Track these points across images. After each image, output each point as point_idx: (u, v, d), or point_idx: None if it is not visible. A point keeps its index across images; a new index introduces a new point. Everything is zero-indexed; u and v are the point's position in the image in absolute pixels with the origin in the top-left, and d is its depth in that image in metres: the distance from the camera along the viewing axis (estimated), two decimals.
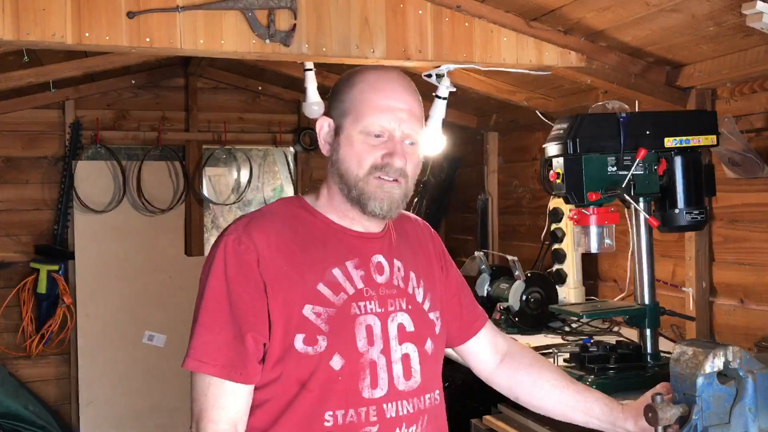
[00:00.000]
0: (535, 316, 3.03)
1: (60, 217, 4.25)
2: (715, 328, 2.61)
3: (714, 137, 2.19)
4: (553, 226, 3.31)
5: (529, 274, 3.06)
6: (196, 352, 1.37)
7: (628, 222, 2.44)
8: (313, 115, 2.98)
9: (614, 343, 2.29)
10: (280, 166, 5.53)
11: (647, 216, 2.13)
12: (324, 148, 1.51)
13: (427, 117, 2.63)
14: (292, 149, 4.85)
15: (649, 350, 2.22)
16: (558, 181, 2.13)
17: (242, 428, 1.39)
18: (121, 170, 4.36)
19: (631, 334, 2.65)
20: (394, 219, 1.53)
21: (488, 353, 1.74)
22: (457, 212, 4.62)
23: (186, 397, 1.46)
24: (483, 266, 3.28)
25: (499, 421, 2.30)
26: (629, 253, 2.88)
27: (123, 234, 4.36)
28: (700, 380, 1.40)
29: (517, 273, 3.04)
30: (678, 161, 2.16)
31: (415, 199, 4.43)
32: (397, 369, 1.44)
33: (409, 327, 1.48)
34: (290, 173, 4.90)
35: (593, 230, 2.14)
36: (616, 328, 2.91)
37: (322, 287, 1.41)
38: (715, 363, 1.42)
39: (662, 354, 2.24)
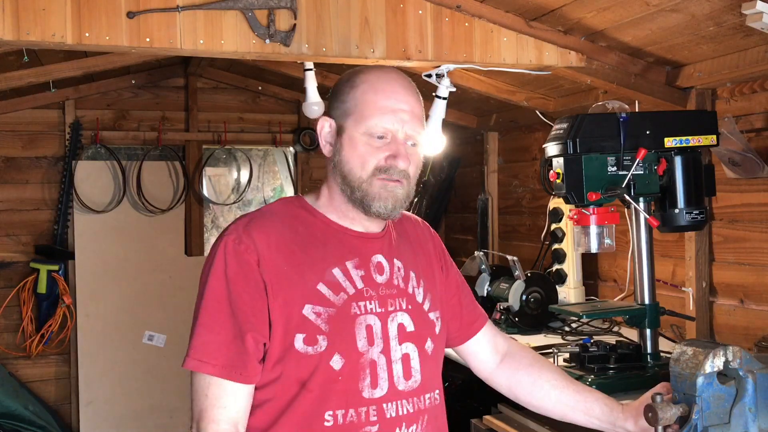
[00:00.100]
0: (535, 316, 3.03)
1: (60, 217, 4.25)
2: (715, 328, 2.61)
3: (714, 137, 2.19)
4: (553, 226, 3.31)
5: (529, 274, 3.06)
6: (196, 352, 1.37)
7: (628, 222, 2.44)
8: (313, 115, 2.98)
9: (614, 343, 2.29)
10: (280, 166, 5.53)
11: (647, 216, 2.13)
12: (325, 148, 1.51)
13: (427, 117, 2.63)
14: (292, 149, 4.86)
15: (649, 350, 2.22)
16: (558, 181, 2.13)
17: (243, 428, 1.39)
18: (121, 170, 4.37)
19: (631, 334, 2.65)
20: (394, 219, 1.53)
21: (488, 353, 1.74)
22: (457, 212, 4.62)
23: (186, 397, 1.46)
24: (483, 266, 3.28)
25: (499, 421, 2.30)
26: (629, 253, 2.89)
27: (123, 234, 4.37)
28: (700, 380, 1.40)
29: (517, 273, 3.05)
30: (678, 161, 2.16)
31: (415, 199, 4.43)
32: (397, 369, 1.44)
33: (409, 327, 1.48)
34: (290, 173, 4.90)
35: (593, 230, 2.14)
36: (616, 328, 2.91)
37: (322, 287, 1.41)
38: (715, 363, 1.42)
39: (662, 354, 2.24)
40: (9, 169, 4.22)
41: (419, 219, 1.72)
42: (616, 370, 2.16)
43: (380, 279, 1.48)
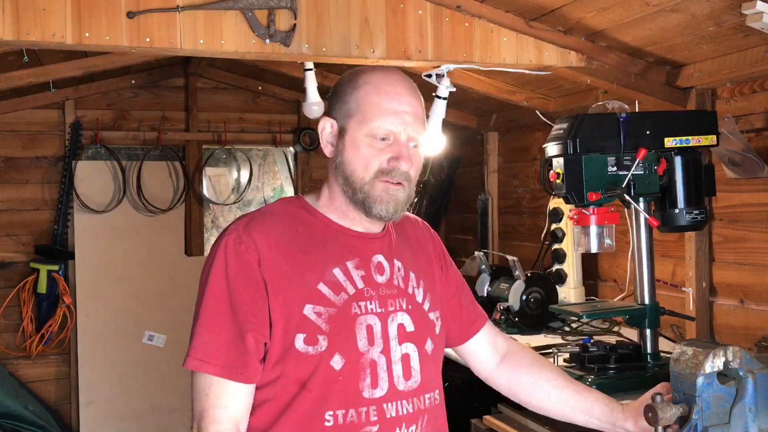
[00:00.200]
0: (535, 316, 3.03)
1: (60, 217, 4.25)
2: (715, 328, 2.61)
3: (714, 137, 2.19)
4: (553, 226, 3.31)
5: (529, 274, 3.06)
6: (197, 352, 1.37)
7: (628, 222, 2.44)
8: (313, 115, 2.98)
9: (614, 343, 2.29)
10: (280, 166, 5.53)
11: (647, 216, 2.13)
12: (326, 148, 1.51)
13: (427, 117, 2.63)
14: (292, 149, 4.85)
15: (649, 350, 2.22)
16: (558, 181, 2.13)
17: (244, 427, 1.39)
18: (121, 170, 4.36)
19: (631, 334, 2.65)
20: (396, 221, 1.54)
21: (488, 353, 1.74)
22: (457, 212, 4.62)
23: (186, 397, 1.46)
24: (483, 266, 3.28)
25: (499, 421, 2.30)
26: (629, 253, 2.88)
27: (123, 234, 4.36)
28: (700, 380, 1.40)
29: (517, 273, 3.04)
30: (678, 161, 2.16)
31: (415, 199, 4.43)
32: (397, 369, 1.44)
33: (409, 327, 1.48)
34: (290, 173, 4.90)
35: (593, 230, 2.14)
36: (616, 328, 2.91)
37: (322, 287, 1.41)
38: (715, 363, 1.42)
39: (662, 354, 2.24)
40: (9, 169, 4.22)
41: (419, 219, 1.72)
42: (616, 370, 2.16)
43: (380, 279, 1.48)
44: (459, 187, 4.55)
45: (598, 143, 2.08)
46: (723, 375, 1.45)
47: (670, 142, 2.13)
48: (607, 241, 2.16)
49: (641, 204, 2.14)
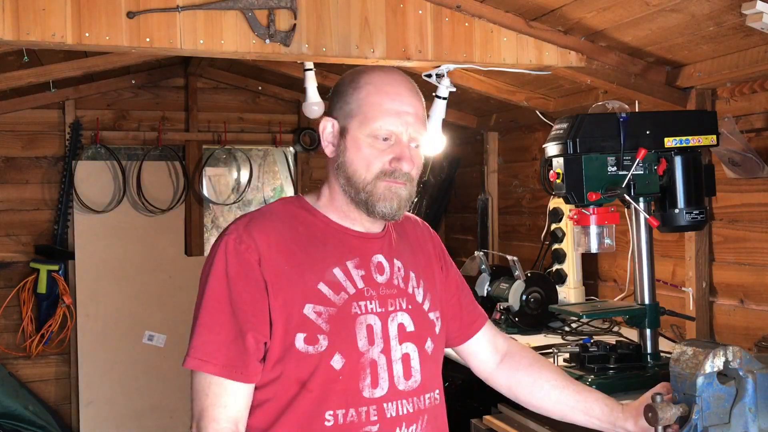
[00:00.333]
0: (535, 316, 3.03)
1: (60, 217, 4.25)
2: (715, 328, 2.61)
3: (714, 137, 2.19)
4: (553, 226, 3.31)
5: (529, 274, 3.06)
6: (197, 352, 1.37)
7: (628, 222, 2.44)
8: (313, 115, 2.98)
9: (614, 343, 2.29)
10: (280, 166, 5.53)
11: (647, 216, 2.13)
12: (327, 148, 1.51)
13: (427, 117, 2.63)
14: (292, 149, 4.85)
15: (649, 350, 2.22)
16: (558, 181, 2.13)
17: (243, 427, 1.39)
18: (121, 170, 4.36)
19: (631, 334, 2.65)
20: (398, 220, 1.54)
21: (488, 353, 1.74)
22: (457, 212, 4.62)
23: (186, 397, 1.46)
24: (483, 266, 3.28)
25: (499, 421, 2.30)
26: (629, 253, 2.89)
27: (123, 234, 4.36)
28: (700, 380, 1.40)
29: (517, 273, 3.05)
30: (678, 161, 2.16)
31: (415, 199, 4.43)
32: (398, 369, 1.44)
33: (410, 327, 1.48)
34: (290, 173, 4.90)
35: (593, 230, 2.14)
36: (616, 328, 2.91)
37: (322, 287, 1.41)
38: (715, 363, 1.42)
39: (662, 354, 2.24)
40: (9, 169, 4.22)
41: (419, 219, 1.73)
42: (616, 370, 2.16)
43: (380, 279, 1.48)
44: (459, 187, 4.55)
45: (598, 143, 2.08)
46: (723, 375, 1.45)
47: (670, 142, 2.13)
48: (607, 241, 2.16)
49: (641, 204, 2.14)
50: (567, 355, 2.31)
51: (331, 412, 1.38)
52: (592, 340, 2.33)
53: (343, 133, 1.47)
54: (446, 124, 2.88)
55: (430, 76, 2.66)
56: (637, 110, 2.31)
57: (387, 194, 1.44)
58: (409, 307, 1.50)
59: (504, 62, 2.41)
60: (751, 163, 2.35)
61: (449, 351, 1.71)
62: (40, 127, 4.28)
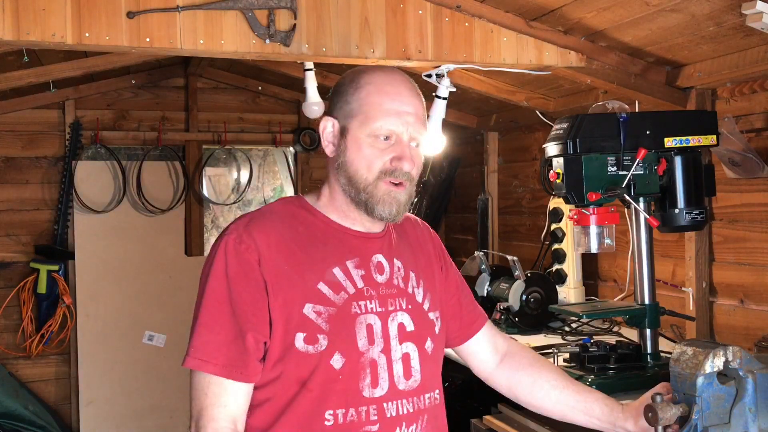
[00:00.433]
0: (535, 316, 3.03)
1: (60, 217, 4.25)
2: (715, 328, 2.61)
3: (714, 137, 2.19)
4: (553, 226, 3.31)
5: (529, 274, 3.06)
6: (197, 352, 1.37)
7: (628, 222, 2.44)
8: (313, 115, 2.98)
9: (614, 343, 2.29)
10: (280, 166, 5.53)
11: (647, 216, 2.13)
12: (327, 148, 1.51)
13: (427, 117, 2.63)
14: (292, 149, 4.85)
15: (649, 350, 2.22)
16: (558, 181, 2.13)
17: (241, 426, 1.39)
18: (121, 170, 4.36)
19: (631, 334, 2.65)
20: (398, 222, 1.54)
21: (488, 353, 1.74)
22: (457, 212, 4.62)
23: (186, 397, 1.46)
24: (483, 266, 3.28)
25: (499, 421, 2.30)
26: (629, 253, 2.89)
27: (123, 234, 4.36)
28: (700, 380, 1.41)
29: (517, 273, 3.04)
30: (678, 161, 2.16)
31: (415, 199, 4.43)
32: (398, 368, 1.44)
33: (410, 326, 1.48)
34: (290, 173, 4.90)
35: (593, 230, 2.14)
36: (616, 328, 2.91)
37: (322, 286, 1.41)
38: (715, 363, 1.42)
39: (662, 354, 2.24)
40: (9, 169, 4.22)
41: (419, 219, 1.73)
42: (616, 370, 2.16)
43: (380, 279, 1.48)
44: (459, 187, 4.55)
45: (598, 143, 2.08)
46: (723, 375, 1.45)
47: (670, 142, 2.13)
48: (607, 241, 2.16)
49: (641, 204, 2.14)
50: (567, 355, 2.31)
51: (331, 412, 1.38)
52: (592, 340, 2.33)
53: (343, 132, 1.48)
54: (446, 124, 2.88)
55: (430, 76, 2.66)
56: (637, 110, 2.31)
57: (386, 198, 1.45)
58: (409, 306, 1.50)
59: (504, 62, 2.42)
60: (751, 163, 2.35)
61: (449, 351, 1.71)
62: (40, 127, 4.28)
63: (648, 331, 2.22)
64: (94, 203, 4.30)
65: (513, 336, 2.43)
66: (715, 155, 2.47)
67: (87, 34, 1.97)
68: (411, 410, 1.44)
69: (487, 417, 2.36)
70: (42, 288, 4.16)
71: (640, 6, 2.07)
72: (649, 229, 2.21)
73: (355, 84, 1.48)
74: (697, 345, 1.45)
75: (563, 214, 3.24)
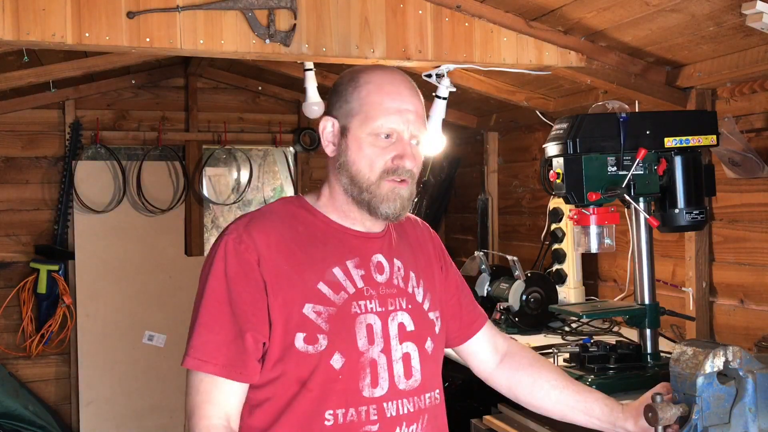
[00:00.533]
0: (535, 316, 3.03)
1: (60, 217, 4.25)
2: (715, 328, 2.61)
3: (714, 137, 2.19)
4: (553, 226, 3.31)
5: (529, 274, 3.06)
6: (196, 351, 1.37)
7: (628, 222, 2.44)
8: (313, 115, 2.98)
9: (614, 343, 2.29)
10: (280, 166, 5.53)
11: (647, 216, 2.13)
12: (328, 148, 1.51)
13: (427, 117, 2.63)
14: (292, 149, 4.85)
15: (649, 350, 2.22)
16: (558, 181, 2.13)
17: (235, 423, 1.39)
18: (121, 170, 4.36)
19: (631, 334, 2.65)
20: (400, 221, 1.54)
21: (488, 353, 1.74)
22: (457, 212, 4.62)
23: None
24: (483, 266, 3.28)
25: (499, 421, 2.30)
26: (629, 253, 2.89)
27: (123, 234, 4.36)
28: (700, 380, 1.41)
29: (517, 273, 3.04)
30: (678, 161, 2.16)
31: (415, 199, 4.43)
32: (398, 368, 1.44)
33: (410, 326, 1.48)
34: (290, 173, 4.90)
35: (593, 230, 2.14)
36: (616, 328, 2.91)
37: (322, 286, 1.41)
38: (715, 363, 1.42)
39: (662, 354, 2.24)
40: (9, 169, 4.22)
41: (419, 219, 1.73)
42: (616, 370, 2.16)
43: (380, 278, 1.48)
44: (459, 187, 4.55)
45: (598, 143, 2.08)
46: (723, 375, 1.45)
47: (670, 142, 2.13)
48: (607, 241, 2.16)
49: (641, 204, 2.14)
50: (567, 355, 2.31)
51: (331, 412, 1.38)
52: (592, 340, 2.33)
53: (344, 132, 1.48)
54: (446, 124, 2.88)
55: (430, 76, 2.66)
56: (637, 110, 2.31)
57: (390, 196, 1.45)
58: (409, 306, 1.50)
59: (504, 62, 2.42)
60: (751, 163, 2.35)
61: (449, 351, 1.71)
62: (40, 127, 4.28)
63: (648, 331, 2.22)
64: (94, 203, 4.30)
65: (513, 336, 2.43)
66: (715, 155, 2.47)
67: (87, 34, 1.97)
68: (411, 410, 1.44)
69: (487, 417, 2.36)
70: (42, 288, 4.16)
71: (640, 6, 2.07)
72: (649, 229, 2.21)
73: (355, 83, 1.48)
74: (697, 345, 1.45)
75: (563, 214, 3.24)
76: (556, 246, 3.30)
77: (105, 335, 4.29)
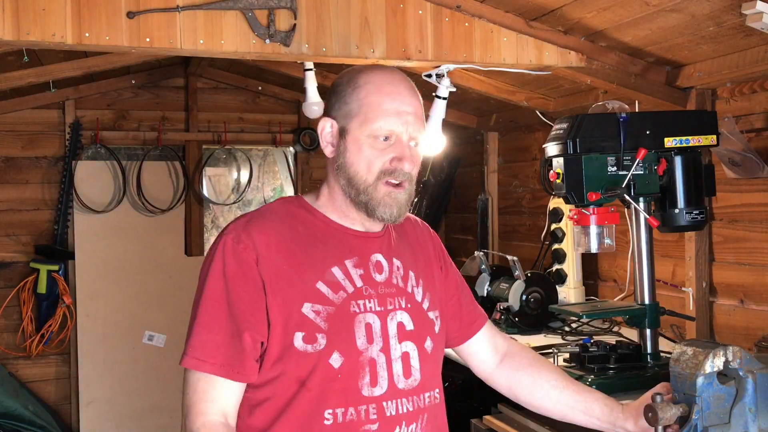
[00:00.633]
0: (535, 316, 3.03)
1: (60, 217, 4.25)
2: (715, 328, 2.61)
3: (714, 137, 2.19)
4: (553, 226, 3.31)
5: (529, 274, 3.06)
6: (194, 351, 1.37)
7: (628, 222, 2.44)
8: (313, 115, 2.98)
9: (614, 343, 2.29)
10: (280, 166, 5.52)
11: (647, 216, 2.13)
12: (327, 149, 1.51)
13: (427, 117, 2.63)
14: (292, 149, 4.86)
15: (649, 350, 2.22)
16: (558, 181, 2.13)
17: (233, 420, 1.39)
18: (121, 170, 4.36)
19: (631, 334, 2.65)
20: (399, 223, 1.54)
21: (488, 353, 1.74)
22: (457, 212, 4.62)
23: None
24: (483, 266, 3.28)
25: (499, 421, 2.30)
26: (629, 253, 2.88)
27: (123, 234, 4.36)
28: (700, 380, 1.40)
29: (517, 273, 3.04)
30: (678, 161, 2.16)
31: (415, 199, 4.43)
32: (397, 367, 1.44)
33: (409, 326, 1.48)
34: (290, 173, 4.90)
35: (593, 230, 2.14)
36: (616, 328, 2.91)
37: (321, 286, 1.41)
38: (715, 363, 1.42)
39: (662, 354, 2.24)
40: (9, 169, 4.22)
41: (419, 219, 1.73)
42: (616, 370, 2.16)
43: (379, 278, 1.48)
44: (459, 187, 4.55)
45: (598, 143, 2.08)
46: (723, 375, 1.45)
47: (670, 142, 2.13)
48: (607, 241, 2.16)
49: (641, 204, 2.14)
50: (567, 355, 2.31)
51: (331, 411, 1.38)
52: (592, 340, 2.33)
53: (342, 133, 1.47)
54: (446, 124, 2.88)
55: (430, 76, 2.66)
56: (637, 110, 2.31)
57: (387, 200, 1.45)
58: (409, 306, 1.50)
59: (504, 62, 2.41)
60: (751, 163, 2.35)
61: (449, 351, 1.71)
62: (40, 127, 4.28)
63: (648, 331, 2.22)
64: (94, 203, 4.30)
65: (513, 336, 2.43)
66: (715, 155, 2.47)
67: (87, 34, 1.97)
68: (411, 409, 1.44)
69: (487, 417, 2.36)
70: (42, 288, 4.16)
71: (640, 6, 2.07)
72: (649, 229, 2.21)
73: (353, 84, 1.48)
74: (697, 345, 1.45)
75: (563, 214, 3.24)
76: (556, 246, 3.30)
77: (105, 335, 4.29)
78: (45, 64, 3.37)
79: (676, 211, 2.16)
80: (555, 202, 3.30)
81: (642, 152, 2.04)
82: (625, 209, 2.47)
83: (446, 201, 4.63)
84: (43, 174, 4.28)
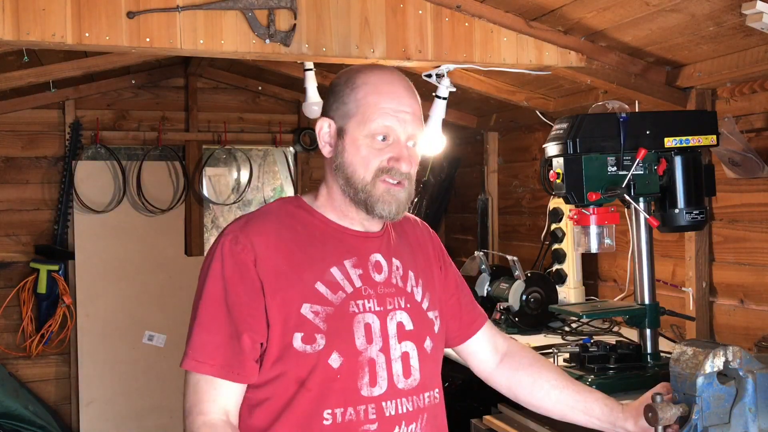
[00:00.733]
0: (535, 316, 3.03)
1: (60, 217, 4.25)
2: (715, 328, 2.61)
3: (714, 137, 2.19)
4: (553, 226, 3.31)
5: (529, 274, 3.06)
6: (194, 352, 1.38)
7: (628, 222, 2.44)
8: (313, 115, 2.99)
9: (614, 343, 2.29)
10: (280, 166, 5.52)
11: (647, 216, 2.13)
12: (325, 149, 1.51)
13: (427, 117, 2.63)
14: (292, 149, 4.86)
15: (649, 350, 2.22)
16: (558, 181, 2.13)
17: (234, 419, 1.40)
18: (121, 170, 4.36)
19: (631, 334, 2.65)
20: (398, 221, 1.54)
21: (488, 353, 1.74)
22: (457, 212, 4.62)
23: None
24: (483, 266, 3.28)
25: (499, 421, 2.30)
26: (629, 253, 2.88)
27: (123, 234, 4.36)
28: (700, 380, 1.40)
29: (517, 273, 3.04)
30: (678, 161, 2.16)
31: (415, 199, 4.43)
32: (397, 367, 1.44)
33: (408, 325, 1.48)
34: (290, 173, 4.90)
35: (593, 230, 2.14)
36: (616, 328, 2.91)
37: (320, 286, 1.41)
38: (715, 363, 1.42)
39: (662, 354, 2.24)
40: (9, 169, 4.22)
41: (418, 219, 1.73)
42: (616, 370, 2.16)
43: (378, 278, 1.48)
44: (459, 187, 4.55)
45: (598, 143, 2.08)
46: (723, 375, 1.45)
47: (670, 142, 2.13)
48: (607, 241, 2.16)
49: (641, 204, 2.14)
50: (567, 355, 2.31)
51: (330, 411, 1.38)
52: (592, 340, 2.33)
53: (340, 133, 1.47)
54: (446, 124, 2.88)
55: (430, 76, 2.66)
56: (637, 110, 2.31)
57: (385, 197, 1.44)
58: (408, 305, 1.50)
59: (504, 62, 2.41)
60: (751, 163, 2.35)
61: (449, 351, 1.71)
62: (40, 127, 4.28)
63: (648, 331, 2.22)
64: (94, 203, 4.30)
65: (513, 336, 2.43)
66: (715, 155, 2.47)
67: (87, 34, 1.97)
68: (410, 409, 1.44)
69: (487, 417, 2.36)
70: (42, 288, 4.16)
71: (640, 6, 2.07)
72: (649, 229, 2.21)
73: (351, 84, 1.48)
74: (697, 345, 1.45)
75: (563, 214, 3.24)
76: (556, 246, 3.30)
77: (105, 335, 4.29)
78: (45, 64, 3.37)
79: (676, 211, 2.16)
80: (555, 202, 3.30)
81: (642, 152, 2.04)
82: (625, 209, 2.47)
83: (446, 201, 4.63)
84: (43, 174, 4.28)
